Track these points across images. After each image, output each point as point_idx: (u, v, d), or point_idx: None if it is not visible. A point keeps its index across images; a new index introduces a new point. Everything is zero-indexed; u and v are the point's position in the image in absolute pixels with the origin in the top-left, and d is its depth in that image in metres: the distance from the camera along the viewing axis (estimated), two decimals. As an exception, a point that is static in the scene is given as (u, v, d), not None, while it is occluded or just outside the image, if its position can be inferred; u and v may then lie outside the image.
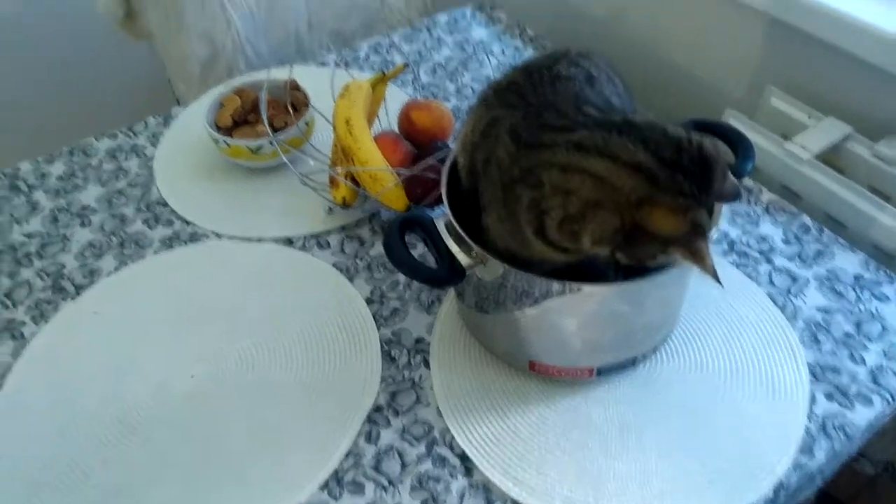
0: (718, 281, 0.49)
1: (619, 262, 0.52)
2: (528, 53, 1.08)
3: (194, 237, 0.82)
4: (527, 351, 0.63)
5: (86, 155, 0.93)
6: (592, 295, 0.56)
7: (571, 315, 0.59)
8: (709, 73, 1.02)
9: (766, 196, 0.83)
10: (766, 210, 0.81)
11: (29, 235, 0.82)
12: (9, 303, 0.75)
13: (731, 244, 0.78)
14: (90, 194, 0.87)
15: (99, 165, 0.91)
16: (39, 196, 0.87)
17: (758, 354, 0.67)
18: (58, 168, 0.91)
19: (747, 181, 0.84)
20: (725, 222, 0.80)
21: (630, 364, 0.64)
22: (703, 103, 1.04)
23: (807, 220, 0.80)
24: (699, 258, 0.49)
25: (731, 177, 0.51)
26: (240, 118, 0.89)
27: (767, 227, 0.79)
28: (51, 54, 1.55)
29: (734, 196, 0.52)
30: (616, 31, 1.15)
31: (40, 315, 0.74)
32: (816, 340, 0.69)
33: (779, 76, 0.92)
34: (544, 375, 0.64)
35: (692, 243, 0.49)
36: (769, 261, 0.76)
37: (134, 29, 1.28)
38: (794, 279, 0.74)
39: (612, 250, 0.51)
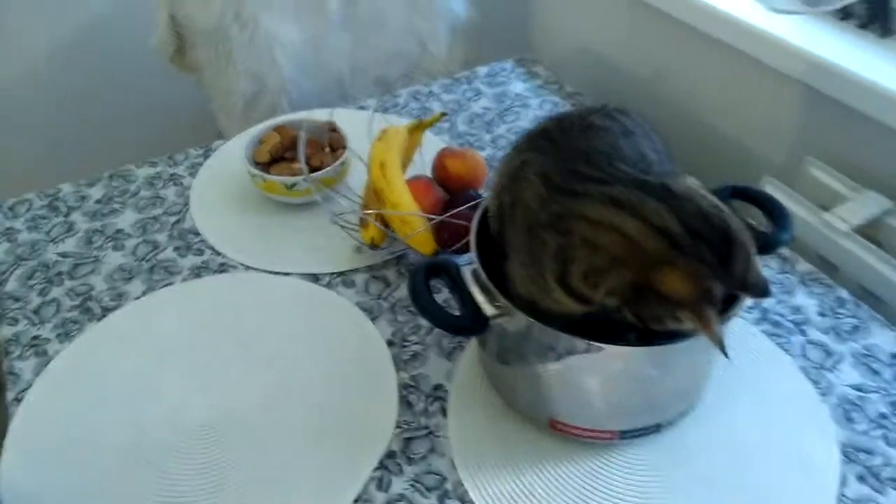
0: (724, 351, 0.48)
1: (626, 319, 0.51)
2: (566, 108, 1.09)
3: (223, 268, 0.82)
4: (548, 408, 0.62)
5: (125, 181, 0.95)
6: (620, 356, 0.55)
7: (596, 375, 0.58)
8: (747, 139, 1.02)
9: (802, 266, 0.81)
10: (802, 281, 0.79)
11: (63, 255, 0.84)
12: (36, 320, 0.76)
13: (764, 312, 0.76)
14: (126, 219, 0.89)
15: (137, 192, 0.93)
16: (77, 217, 0.89)
17: (788, 429, 0.65)
18: (97, 192, 0.93)
19: (783, 250, 0.82)
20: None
21: (655, 429, 0.62)
22: (742, 169, 1.03)
23: (843, 293, 0.78)
24: (706, 324, 0.48)
25: (761, 274, 0.51)
26: (277, 155, 0.91)
27: (802, 298, 0.77)
28: (101, 84, 1.61)
29: (762, 291, 0.51)
30: (655, 92, 1.15)
31: (66, 334, 0.74)
32: (850, 419, 0.66)
33: (819, 146, 0.91)
34: (565, 435, 0.62)
35: (701, 308, 0.48)
36: (803, 333, 0.74)
37: (184, 63, 1.32)
38: (828, 353, 0.72)
39: (620, 305, 0.51)
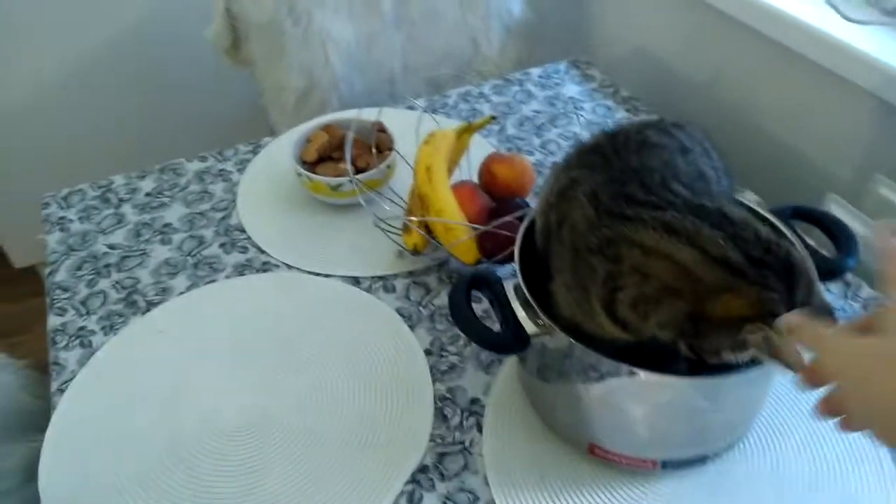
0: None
1: (679, 350, 0.49)
2: (620, 114, 1.06)
3: (266, 266, 0.82)
4: (588, 431, 0.60)
5: (176, 174, 0.96)
6: (667, 386, 0.53)
7: (641, 402, 0.55)
8: (811, 152, 0.97)
9: (866, 292, 0.77)
10: (866, 308, 0.75)
11: (112, 247, 0.85)
12: (83, 311, 0.77)
13: (822, 340, 0.72)
14: (174, 213, 0.90)
15: (186, 186, 0.94)
16: (127, 209, 0.90)
17: (842, 468, 0.61)
18: (148, 184, 0.94)
19: (847, 275, 0.78)
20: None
21: (699, 461, 0.59)
22: (804, 183, 0.98)
23: (910, 323, 0.73)
24: (789, 331, 0.44)
25: (825, 300, 0.49)
26: (325, 154, 0.90)
27: (864, 327, 0.73)
28: (157, 75, 1.65)
29: (827, 317, 0.48)
30: (714, 99, 1.11)
31: (110, 327, 0.76)
32: (912, 461, 0.62)
33: (889, 163, 0.86)
34: (604, 461, 0.60)
35: (772, 324, 0.45)
36: (864, 364, 0.69)
37: (238, 57, 1.34)
38: (890, 388, 0.67)
39: (675, 337, 0.48)
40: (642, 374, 0.52)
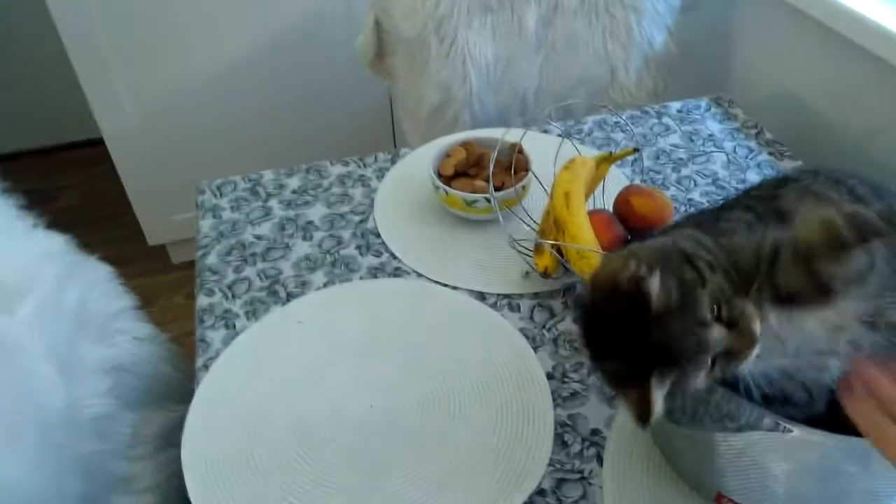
0: None
1: None
2: (762, 157, 1.03)
3: (397, 272, 0.85)
4: (717, 480, 0.58)
5: (320, 175, 1.01)
6: (814, 445, 0.50)
7: (781, 458, 0.53)
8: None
9: None
10: None
11: (258, 237, 0.91)
12: (229, 294, 0.83)
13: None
14: (316, 212, 0.94)
15: (329, 187, 0.99)
16: (274, 204, 0.96)
17: None
18: (294, 182, 1.00)
19: None
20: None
21: (834, 527, 0.57)
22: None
23: None
24: None
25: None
26: (461, 170, 0.93)
27: None
28: (306, 82, 1.74)
29: None
30: (868, 154, 1.05)
31: (252, 312, 0.81)
32: None
33: None
34: (731, 512, 0.58)
35: None
36: None
37: (380, 68, 1.39)
38: None
39: None
40: (786, 428, 0.50)
